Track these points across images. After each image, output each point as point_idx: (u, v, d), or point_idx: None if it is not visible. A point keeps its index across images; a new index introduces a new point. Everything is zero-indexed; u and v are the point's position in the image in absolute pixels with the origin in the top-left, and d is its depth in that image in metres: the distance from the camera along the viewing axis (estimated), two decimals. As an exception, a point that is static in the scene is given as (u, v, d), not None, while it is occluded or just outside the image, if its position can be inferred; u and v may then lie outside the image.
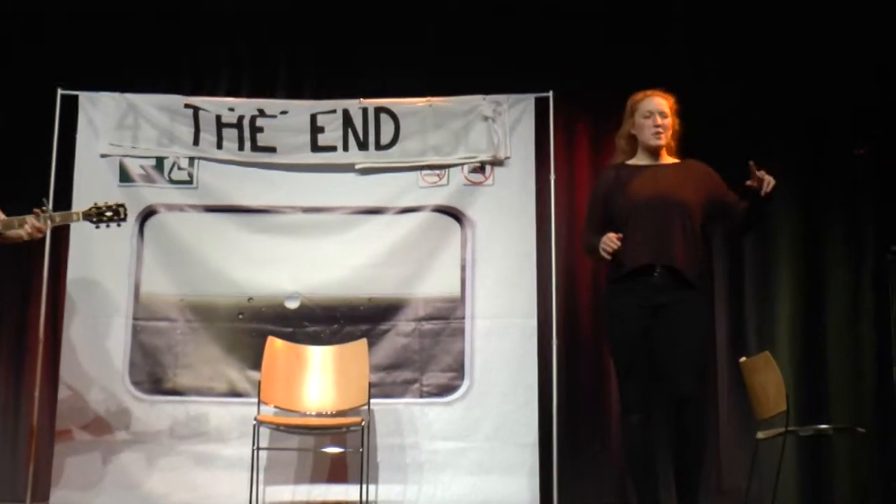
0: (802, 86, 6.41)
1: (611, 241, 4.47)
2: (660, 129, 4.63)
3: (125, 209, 5.30)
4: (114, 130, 6.24)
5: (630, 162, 4.73)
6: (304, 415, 5.99)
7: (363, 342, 6.12)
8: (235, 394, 6.14)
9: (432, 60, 6.49)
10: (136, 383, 6.12)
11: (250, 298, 6.20)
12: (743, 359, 5.76)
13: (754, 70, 6.45)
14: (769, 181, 4.44)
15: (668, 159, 4.72)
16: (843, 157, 6.31)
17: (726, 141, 6.27)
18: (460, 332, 6.20)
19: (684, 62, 6.40)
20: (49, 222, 5.02)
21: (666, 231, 4.50)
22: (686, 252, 4.50)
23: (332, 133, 6.30)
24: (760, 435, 5.56)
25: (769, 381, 5.44)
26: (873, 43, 6.24)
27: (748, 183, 4.44)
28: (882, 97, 6.29)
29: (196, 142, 6.28)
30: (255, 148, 6.28)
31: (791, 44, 6.42)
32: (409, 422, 6.11)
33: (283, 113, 6.29)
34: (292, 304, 6.21)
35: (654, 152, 4.69)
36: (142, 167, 6.27)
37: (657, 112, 4.65)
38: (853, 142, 6.20)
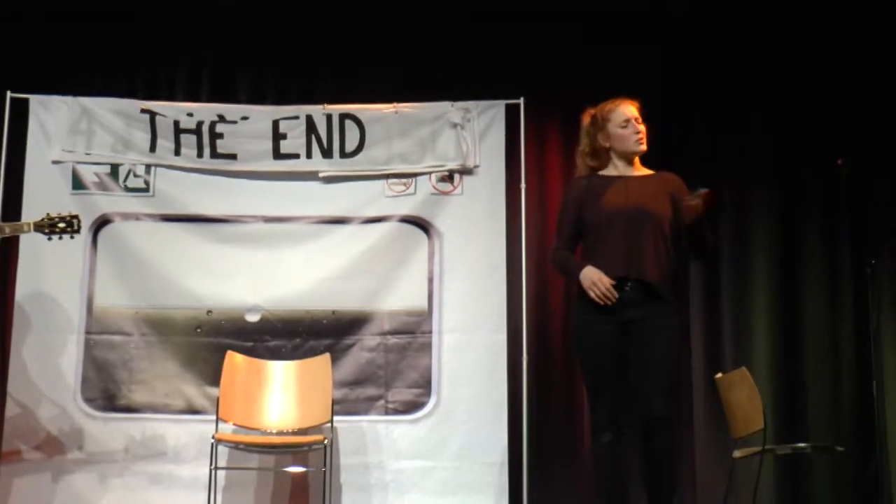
0: (779, 94, 6.45)
1: (607, 291, 4.43)
2: (642, 136, 4.65)
3: (79, 220, 5.28)
4: (66, 136, 6.21)
5: (602, 172, 4.74)
6: (265, 433, 5.97)
7: (326, 357, 6.09)
8: (193, 411, 6.10)
9: (399, 65, 6.48)
10: (88, 400, 6.08)
11: (209, 311, 6.18)
12: (719, 375, 5.77)
13: (730, 75, 6.49)
14: (693, 207, 4.42)
15: (641, 170, 4.74)
16: (821, 168, 6.36)
17: (699, 148, 6.45)
18: (427, 347, 6.19)
19: (657, 67, 6.43)
20: (-3, 233, 4.90)
21: (638, 244, 4.51)
22: (659, 265, 4.52)
23: (295, 140, 6.28)
24: (737, 454, 5.56)
25: (746, 397, 5.43)
26: (850, 48, 6.32)
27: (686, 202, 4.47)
28: (861, 105, 6.36)
29: (153, 148, 6.25)
30: (215, 155, 6.26)
31: (767, 48, 6.45)
32: (374, 440, 6.08)
33: (244, 119, 6.28)
34: (253, 318, 6.20)
35: (630, 161, 4.70)
36: (96, 174, 6.24)
37: (633, 118, 4.66)
38: (832, 152, 6.23)
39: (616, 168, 4.71)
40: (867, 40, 6.28)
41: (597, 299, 4.44)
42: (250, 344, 6.17)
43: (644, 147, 4.64)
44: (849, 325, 6.24)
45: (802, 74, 6.44)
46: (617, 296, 4.43)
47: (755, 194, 6.42)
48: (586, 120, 4.73)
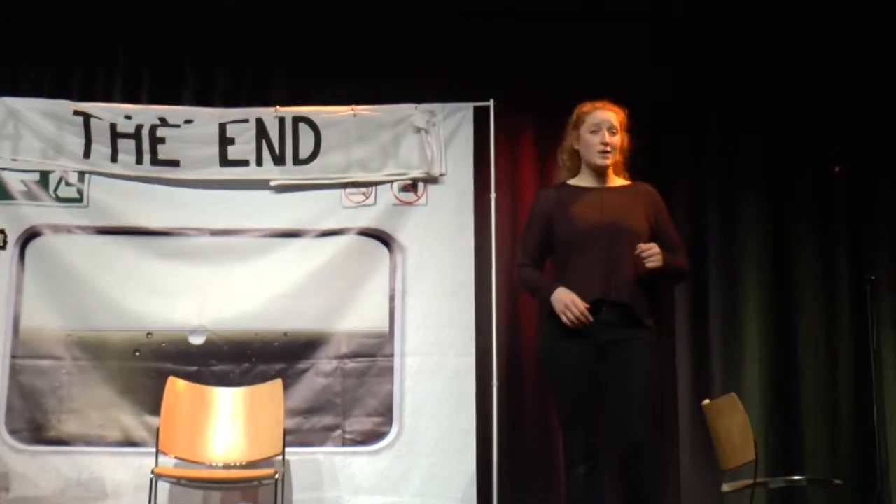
0: (770, 97, 6.52)
1: (581, 315, 4.41)
2: (607, 149, 4.61)
3: (4, 234, 5.26)
4: (-11, 140, 6.23)
5: (573, 182, 4.70)
6: (210, 466, 5.92)
7: (278, 383, 6.06)
8: (130, 443, 6.07)
9: (358, 65, 6.49)
10: (13, 432, 6.02)
11: (149, 333, 6.17)
12: (706, 401, 5.77)
13: (720, 77, 6.55)
14: (651, 259, 4.43)
15: (615, 180, 4.70)
16: (816, 177, 6.44)
17: (685, 156, 6.56)
18: (388, 372, 6.19)
19: (643, 67, 6.46)
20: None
21: (615, 263, 4.49)
22: (637, 286, 4.50)
23: (244, 145, 6.27)
24: (726, 487, 5.56)
25: (735, 426, 5.43)
26: (844, 51, 6.41)
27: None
28: (859, 107, 6.45)
29: (87, 154, 6.22)
30: (156, 161, 6.25)
31: (758, 49, 6.52)
32: (330, 473, 6.07)
33: (188, 122, 6.26)
34: (197, 340, 6.19)
35: (600, 172, 4.68)
36: (23, 182, 6.21)
37: (606, 127, 4.62)
38: (828, 159, 6.37)
39: (587, 178, 4.69)
40: (863, 41, 6.38)
41: (569, 324, 4.42)
42: (194, 369, 6.15)
43: (606, 161, 4.59)
44: (847, 346, 6.29)
45: (795, 77, 6.52)
46: (591, 320, 4.42)
47: (745, 205, 6.49)
48: (572, 115, 4.74)
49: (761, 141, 6.53)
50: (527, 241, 4.69)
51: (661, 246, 4.53)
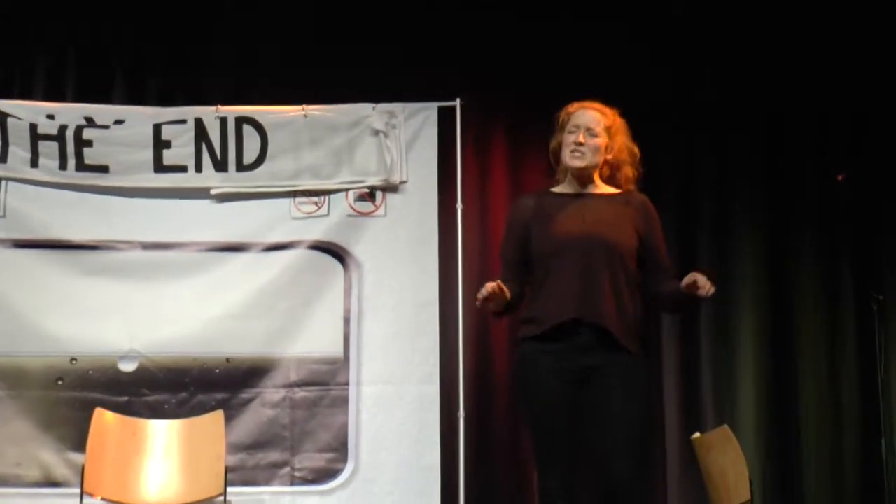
0: (766, 101, 6.54)
1: (487, 289, 4.38)
2: (580, 148, 4.57)
3: None
4: None
5: (556, 189, 4.68)
6: (142, 509, 5.88)
7: (219, 415, 5.96)
8: (51, 483, 6.02)
9: (310, 60, 6.47)
10: (-81, 472, 5.97)
11: (73, 359, 6.13)
12: (696, 435, 5.68)
13: (711, 81, 6.57)
14: (706, 290, 4.37)
15: (602, 188, 4.66)
16: (818, 186, 6.45)
17: (676, 163, 6.56)
18: (343, 402, 6.18)
19: (630, 63, 6.46)
20: None
21: (593, 280, 4.45)
22: (618, 307, 4.45)
23: (182, 149, 6.23)
24: (718, 530, 5.58)
25: (729, 462, 5.35)
26: (847, 51, 6.45)
27: (685, 284, 4.41)
28: (863, 112, 6.50)
29: (3, 158, 6.19)
30: (82, 167, 6.21)
31: (753, 51, 6.54)
32: (278, 516, 6.04)
33: (119, 122, 6.21)
34: (128, 367, 6.16)
35: (582, 178, 4.63)
36: (-71, 190, 6.16)
37: (584, 127, 4.60)
38: (831, 166, 6.31)
39: (571, 184, 4.66)
40: (868, 41, 6.43)
41: (478, 304, 4.44)
42: (124, 399, 6.11)
43: (577, 163, 4.56)
44: (852, 373, 6.31)
45: (794, 80, 6.54)
46: (497, 290, 4.37)
47: (740, 216, 6.50)
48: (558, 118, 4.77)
49: (757, 147, 6.56)
50: (505, 255, 4.66)
51: (649, 268, 4.54)
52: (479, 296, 4.40)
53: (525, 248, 4.58)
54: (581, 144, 4.56)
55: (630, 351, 4.45)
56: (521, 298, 4.56)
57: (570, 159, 4.58)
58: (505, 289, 4.37)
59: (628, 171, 4.66)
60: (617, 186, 4.64)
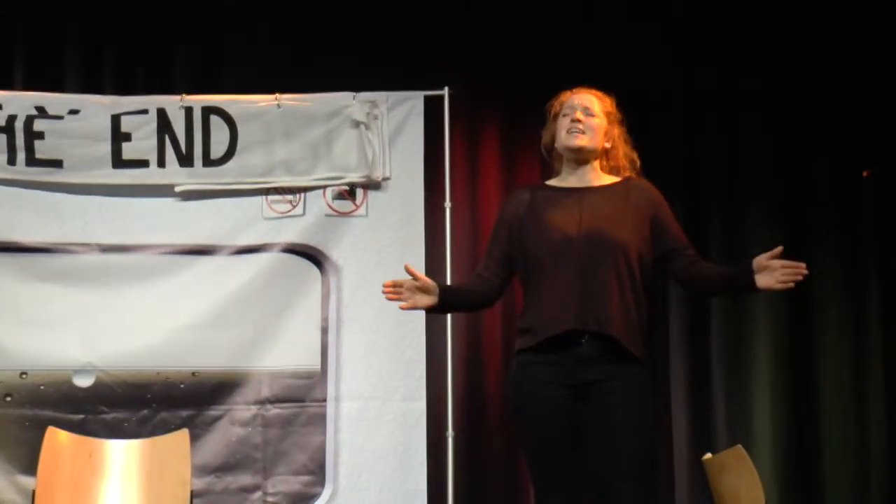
0: (785, 87, 6.51)
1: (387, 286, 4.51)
2: (578, 126, 4.53)
3: None
4: None
5: (552, 182, 4.64)
6: (99, 537, 5.77)
7: (184, 434, 5.79)
8: None
9: (284, 44, 6.45)
10: None
11: (23, 373, 6.09)
12: (707, 455, 5.47)
13: (721, 64, 6.53)
14: (797, 272, 4.32)
15: (603, 178, 4.60)
16: (841, 184, 6.43)
17: (683, 158, 6.55)
18: (320, 420, 6.15)
19: (633, 47, 6.45)
20: None
21: (595, 283, 4.40)
22: (624, 313, 4.40)
23: (143, 142, 6.17)
24: (731, 560, 5.56)
25: (743, 485, 5.15)
26: (870, 32, 6.42)
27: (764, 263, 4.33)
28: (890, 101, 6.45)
29: None
30: (33, 161, 6.15)
31: (768, 29, 6.51)
32: (248, 545, 6.07)
33: (74, 113, 6.15)
34: (84, 381, 6.11)
35: (581, 166, 4.58)
36: None
37: (580, 108, 4.58)
38: (855, 162, 6.37)
39: (568, 176, 4.62)
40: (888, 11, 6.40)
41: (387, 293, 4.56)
42: (80, 417, 6.06)
43: (577, 142, 4.52)
44: (879, 389, 6.29)
45: (814, 66, 6.50)
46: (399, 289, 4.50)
47: (752, 217, 6.48)
48: (550, 109, 4.75)
49: (772, 141, 6.52)
50: (490, 250, 4.64)
51: (667, 252, 4.50)
52: (384, 285, 4.51)
53: (516, 246, 4.55)
54: (579, 121, 4.51)
55: (635, 360, 4.40)
56: (494, 294, 4.59)
57: (569, 139, 4.53)
58: (420, 276, 4.45)
59: (626, 157, 4.63)
60: (615, 175, 4.62)
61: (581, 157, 4.54)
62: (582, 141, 4.50)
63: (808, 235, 6.42)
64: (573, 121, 4.53)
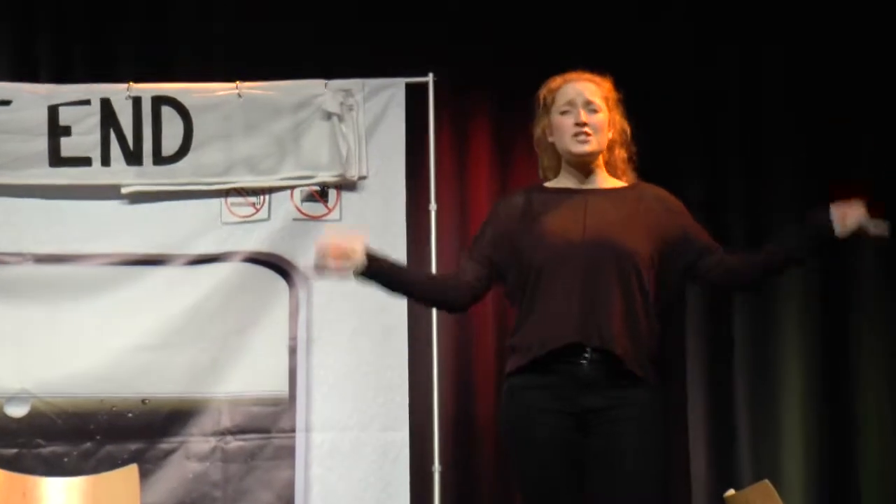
0: (816, 81, 6.41)
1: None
2: (585, 129, 4.39)
3: None
4: None
5: (550, 184, 4.52)
6: (35, 590, 5.65)
7: (132, 470, 5.73)
8: None
9: (246, 24, 6.35)
10: None
11: None
12: (730, 492, 5.38)
13: (744, 49, 6.47)
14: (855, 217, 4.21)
15: (607, 181, 4.48)
16: (877, 185, 6.23)
17: (701, 156, 6.49)
18: (288, 453, 6.09)
19: (646, 33, 6.37)
20: None
21: (600, 295, 4.28)
22: (632, 329, 4.29)
23: (85, 137, 6.10)
24: None
25: None
26: None
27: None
28: None
29: None
30: None
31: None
32: None
33: (4, 104, 6.10)
34: (17, 411, 6.06)
35: (585, 167, 4.46)
36: None
37: (581, 102, 4.42)
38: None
39: (568, 178, 4.51)
40: None
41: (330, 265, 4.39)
42: (13, 451, 6.00)
43: (586, 148, 4.40)
44: None
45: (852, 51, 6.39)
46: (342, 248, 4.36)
47: (779, 219, 6.35)
48: (539, 99, 4.62)
49: (804, 142, 6.43)
50: (471, 251, 4.55)
51: (698, 255, 4.40)
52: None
53: (503, 255, 4.47)
54: (584, 124, 4.38)
55: (644, 383, 4.29)
56: (460, 291, 4.48)
57: (575, 145, 4.41)
58: (358, 248, 4.31)
59: (622, 154, 4.56)
60: (612, 174, 4.53)
61: (586, 161, 4.46)
62: (591, 147, 4.41)
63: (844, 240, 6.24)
64: (577, 124, 4.41)
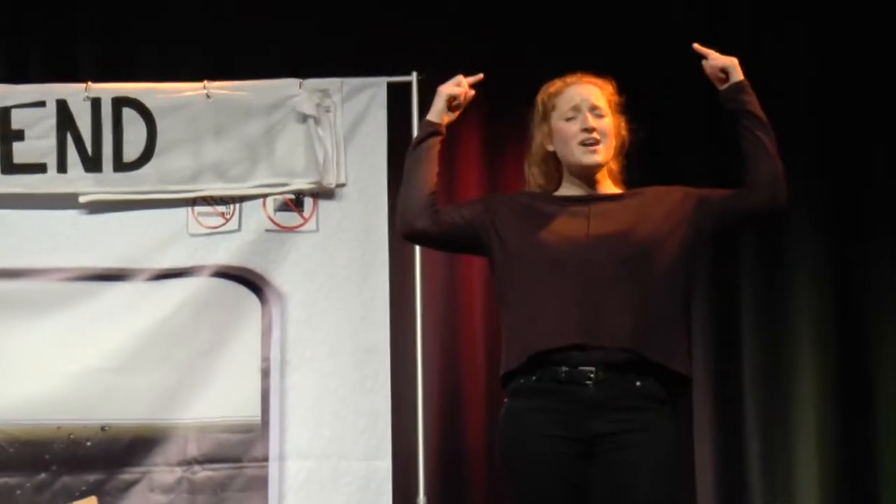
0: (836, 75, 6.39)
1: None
2: (593, 136, 4.35)
3: None
4: None
5: (557, 193, 4.49)
6: None
7: (91, 502, 5.86)
8: None
9: (213, 21, 6.35)
10: None
11: None
12: None
13: (755, 44, 6.39)
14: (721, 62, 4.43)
15: (610, 188, 4.49)
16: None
17: (704, 159, 6.45)
18: (261, 484, 6.03)
19: (655, 26, 6.37)
20: None
21: (604, 305, 4.23)
22: (647, 320, 4.26)
23: (39, 141, 6.05)
24: None
25: None
26: None
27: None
28: None
29: None
30: None
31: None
32: None
33: None
34: None
35: (588, 179, 4.42)
36: None
37: (586, 107, 4.38)
38: None
39: (572, 189, 4.48)
40: None
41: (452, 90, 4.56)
42: None
43: (597, 158, 4.38)
44: None
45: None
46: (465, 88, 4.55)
47: (794, 227, 6.36)
48: (536, 104, 4.58)
49: (815, 143, 6.41)
50: (460, 206, 4.60)
51: (716, 210, 4.39)
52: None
53: (480, 228, 4.42)
54: (593, 129, 4.34)
55: (655, 401, 4.21)
56: (426, 202, 4.49)
57: (585, 155, 4.37)
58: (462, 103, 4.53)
59: (620, 161, 4.54)
60: (613, 180, 4.52)
61: (594, 172, 4.43)
62: (600, 157, 4.37)
63: (861, 251, 6.37)
64: (585, 129, 4.36)
